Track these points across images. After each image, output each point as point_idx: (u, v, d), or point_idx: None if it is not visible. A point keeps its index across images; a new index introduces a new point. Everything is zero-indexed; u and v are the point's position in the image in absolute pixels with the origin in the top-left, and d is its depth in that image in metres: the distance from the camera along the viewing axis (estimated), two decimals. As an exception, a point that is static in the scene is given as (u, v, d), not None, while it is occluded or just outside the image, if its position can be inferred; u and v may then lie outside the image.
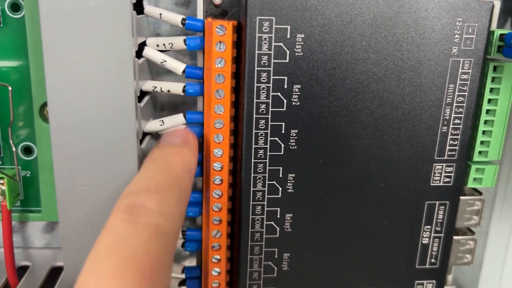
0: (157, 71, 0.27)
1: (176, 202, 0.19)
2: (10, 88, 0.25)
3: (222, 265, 0.25)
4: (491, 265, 0.33)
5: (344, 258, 0.25)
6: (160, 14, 0.23)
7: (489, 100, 0.24)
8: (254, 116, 0.22)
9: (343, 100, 0.23)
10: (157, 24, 0.26)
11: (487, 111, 0.24)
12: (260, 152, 0.23)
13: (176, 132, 0.23)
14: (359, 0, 0.22)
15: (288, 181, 0.24)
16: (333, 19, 0.22)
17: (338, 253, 0.25)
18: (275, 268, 0.25)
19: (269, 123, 0.23)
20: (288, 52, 0.22)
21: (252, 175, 0.23)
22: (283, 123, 0.23)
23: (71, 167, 0.22)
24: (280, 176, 0.23)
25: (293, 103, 0.22)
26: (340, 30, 0.22)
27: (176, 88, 0.23)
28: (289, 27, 0.21)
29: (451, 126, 0.24)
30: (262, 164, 0.23)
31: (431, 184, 0.25)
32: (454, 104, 0.23)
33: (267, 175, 0.23)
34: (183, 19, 0.23)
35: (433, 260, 0.26)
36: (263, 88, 0.22)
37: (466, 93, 0.23)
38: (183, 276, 0.26)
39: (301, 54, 0.22)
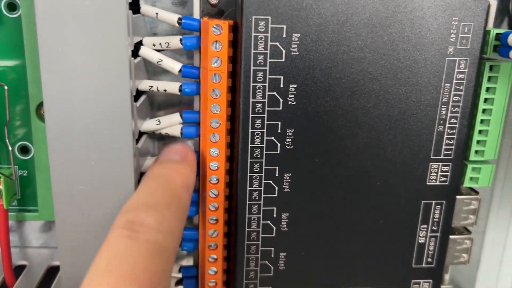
0: (154, 71, 0.27)
1: (175, 219, 0.19)
2: (6, 87, 0.25)
3: (218, 264, 0.25)
4: (488, 264, 0.33)
5: (341, 258, 0.25)
6: (157, 13, 0.23)
7: (485, 100, 0.24)
8: (250, 115, 0.22)
9: (339, 99, 0.23)
10: (154, 24, 0.26)
11: (483, 111, 0.24)
12: (256, 152, 0.23)
13: (176, 148, 0.23)
14: (355, -1, 0.22)
15: (285, 181, 0.24)
16: (329, 18, 0.22)
17: (334, 252, 0.25)
18: (272, 267, 0.25)
19: (265, 122, 0.23)
20: (284, 51, 0.22)
21: (249, 174, 0.23)
22: (279, 123, 0.23)
23: (67, 166, 0.22)
24: (277, 175, 0.24)
25: (289, 102, 0.23)
26: (336, 30, 0.22)
27: (173, 87, 0.24)
28: (285, 26, 0.22)
29: (447, 125, 0.24)
30: (258, 164, 0.23)
31: (428, 184, 0.25)
32: (450, 104, 0.24)
33: (263, 174, 0.23)
34: (179, 19, 0.23)
35: (429, 259, 0.26)
36: (259, 88, 0.22)
37: (462, 93, 0.23)
38: (179, 275, 0.26)
39: (297, 53, 0.22)
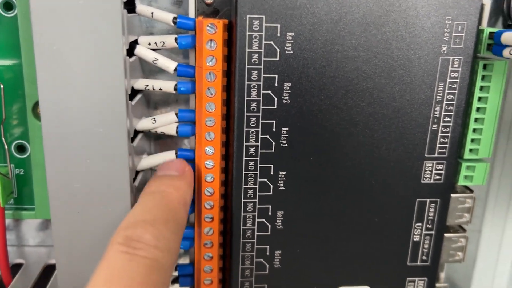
0: (150, 70, 0.27)
1: (172, 235, 0.20)
2: (2, 86, 0.25)
3: (214, 263, 0.25)
4: (484, 263, 0.33)
5: (336, 256, 0.25)
6: (152, 13, 0.23)
7: (479, 98, 0.24)
8: (245, 114, 0.23)
9: (334, 98, 0.23)
10: (150, 23, 0.26)
11: (478, 109, 0.24)
12: (251, 150, 0.23)
13: (173, 164, 0.23)
14: (349, -2, 0.22)
15: (279, 179, 0.24)
16: (323, 17, 0.22)
17: (329, 250, 0.25)
18: (267, 265, 0.25)
19: (260, 121, 0.23)
20: (278, 50, 0.22)
21: (244, 172, 0.23)
22: (274, 121, 0.23)
23: (62, 164, 0.22)
24: (272, 173, 0.24)
25: (284, 101, 0.23)
26: (329, 29, 0.22)
27: (168, 86, 0.24)
28: (279, 25, 0.22)
29: (441, 124, 0.24)
30: (253, 162, 0.23)
31: (422, 182, 0.25)
32: (444, 102, 0.24)
33: (258, 172, 0.24)
34: (175, 18, 0.23)
35: (424, 257, 0.26)
36: (254, 86, 0.22)
37: (456, 91, 0.24)
38: (175, 273, 0.26)
39: (291, 52, 0.22)
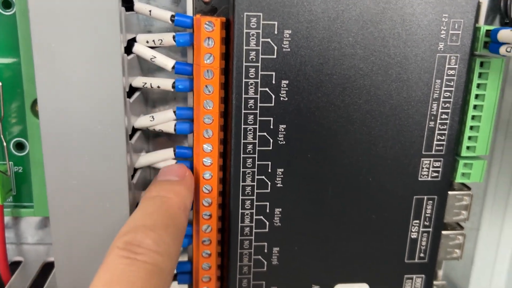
0: (149, 69, 0.27)
1: (172, 240, 0.20)
2: (0, 84, 0.25)
3: (212, 260, 0.25)
4: (482, 261, 0.34)
5: (333, 253, 0.25)
6: (150, 11, 0.23)
7: (476, 96, 0.24)
8: (243, 111, 0.23)
9: (331, 95, 0.23)
10: (149, 22, 0.27)
11: (475, 107, 0.25)
12: (249, 147, 0.23)
13: (173, 169, 0.23)
14: (346, -4, 0.22)
15: (277, 176, 0.24)
16: (320, 15, 0.22)
17: (327, 247, 0.25)
18: (265, 262, 0.25)
19: (258, 118, 0.23)
20: (275, 47, 0.22)
21: (241, 170, 0.24)
22: (272, 118, 0.23)
23: (61, 161, 0.22)
24: (269, 171, 0.24)
25: (281, 98, 0.23)
26: (327, 26, 0.22)
27: (166, 84, 0.24)
28: (276, 23, 0.22)
29: (438, 121, 0.24)
30: (251, 159, 0.23)
31: (419, 179, 0.25)
32: (441, 100, 0.24)
33: (256, 170, 0.24)
34: (172, 16, 0.23)
35: (422, 255, 0.26)
36: (251, 84, 0.22)
37: (453, 89, 0.24)
38: (174, 271, 0.27)
39: (289, 50, 0.22)
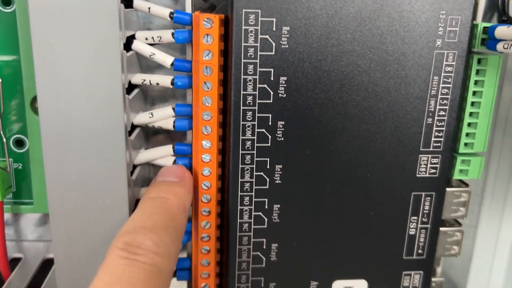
0: (149, 66, 0.27)
1: (172, 241, 0.20)
2: (0, 81, 0.25)
3: (211, 256, 0.25)
4: (480, 258, 0.34)
5: (332, 249, 0.25)
6: (149, 8, 0.23)
7: (474, 92, 0.25)
8: (241, 107, 0.23)
9: (329, 92, 0.23)
10: (148, 19, 0.27)
11: (472, 103, 0.25)
12: (247, 144, 0.23)
13: (172, 169, 0.24)
14: (344, -7, 0.22)
15: (276, 172, 0.24)
16: (318, 11, 0.22)
17: (325, 244, 0.25)
18: (264, 258, 0.25)
19: (256, 114, 0.23)
20: (274, 44, 0.22)
21: (240, 166, 0.24)
22: (270, 115, 0.23)
23: (60, 158, 0.22)
24: (268, 167, 0.24)
25: (280, 95, 0.23)
26: (325, 23, 0.22)
27: (165, 80, 0.24)
28: (274, 19, 0.22)
29: (436, 118, 0.24)
30: (249, 156, 0.24)
31: (417, 176, 0.25)
32: (439, 96, 0.24)
33: (254, 166, 0.24)
34: (171, 13, 0.23)
35: (420, 251, 0.26)
36: (250, 80, 0.22)
37: (450, 85, 0.24)
38: (173, 271, 0.27)
39: (287, 46, 0.22)
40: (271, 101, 0.23)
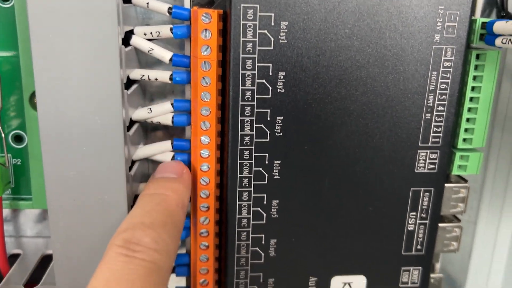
0: (147, 62, 0.27)
1: (171, 238, 0.20)
2: (-2, 76, 0.25)
3: (210, 252, 0.25)
4: (479, 255, 0.34)
5: (331, 245, 0.25)
6: (147, 3, 0.23)
7: (473, 88, 0.25)
8: (240, 102, 0.23)
9: (327, 87, 0.23)
10: (147, 15, 0.27)
11: (471, 99, 0.25)
12: (246, 139, 0.23)
13: (171, 166, 0.24)
14: (342, -12, 0.22)
15: (274, 168, 0.24)
16: (316, 6, 0.22)
17: (324, 239, 0.25)
18: (262, 254, 0.25)
19: (255, 110, 0.23)
20: (272, 39, 0.22)
21: (239, 161, 0.24)
22: (269, 110, 0.23)
23: (59, 153, 0.22)
24: (266, 162, 0.24)
25: (278, 90, 0.23)
26: (323, 18, 0.22)
27: (164, 76, 0.24)
28: (273, 14, 0.22)
29: (434, 113, 0.24)
30: (248, 151, 0.24)
31: (416, 171, 0.25)
32: (438, 91, 0.24)
33: (253, 161, 0.24)
34: (170, 8, 0.23)
35: (419, 247, 0.26)
36: (248, 75, 0.22)
37: (449, 80, 0.24)
38: (172, 268, 0.27)
39: (285, 41, 0.22)
40: (269, 96, 0.23)
